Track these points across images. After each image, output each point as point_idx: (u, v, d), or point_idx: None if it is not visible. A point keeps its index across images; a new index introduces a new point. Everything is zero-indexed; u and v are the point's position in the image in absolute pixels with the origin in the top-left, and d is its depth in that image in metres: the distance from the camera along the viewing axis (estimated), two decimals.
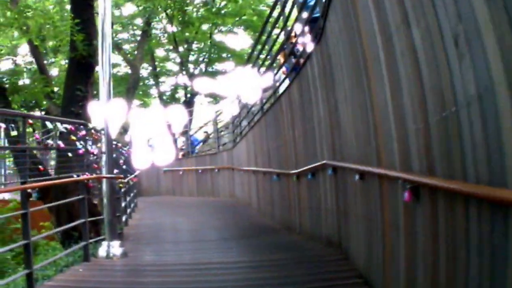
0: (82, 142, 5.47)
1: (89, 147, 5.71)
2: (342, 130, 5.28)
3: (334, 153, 5.78)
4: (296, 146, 7.62)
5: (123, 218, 9.09)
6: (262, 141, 10.05)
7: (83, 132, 5.43)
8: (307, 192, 7.24)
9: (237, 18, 23.74)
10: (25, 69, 15.71)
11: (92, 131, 5.81)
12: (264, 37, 10.50)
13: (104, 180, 5.92)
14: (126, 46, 21.80)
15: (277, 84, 9.15)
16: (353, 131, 4.81)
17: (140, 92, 27.22)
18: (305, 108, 6.95)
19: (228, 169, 14.52)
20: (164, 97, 25.95)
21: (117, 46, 16.34)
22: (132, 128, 20.38)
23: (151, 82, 26.94)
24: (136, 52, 17.18)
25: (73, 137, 5.47)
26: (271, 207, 9.75)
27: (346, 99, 5.01)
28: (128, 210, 10.01)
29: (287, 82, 8.68)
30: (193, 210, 12.13)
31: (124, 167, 9.23)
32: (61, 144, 5.20)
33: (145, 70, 26.93)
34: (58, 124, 5.10)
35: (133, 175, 11.25)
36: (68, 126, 5.11)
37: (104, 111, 6.05)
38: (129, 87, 16.47)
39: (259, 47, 10.99)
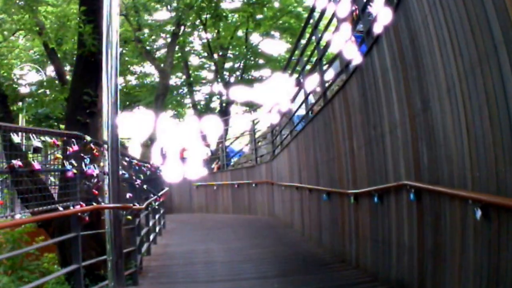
0: (73, 161, 4.00)
1: (88, 168, 4.24)
2: (438, 140, 3.66)
3: (418, 171, 4.15)
4: (354, 160, 6.00)
5: (144, 247, 7.65)
6: (308, 153, 8.46)
7: (75, 148, 3.96)
8: (370, 219, 5.61)
9: (273, 21, 22.33)
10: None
11: (92, 145, 4.33)
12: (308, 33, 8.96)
13: (106, 212, 4.47)
14: (157, 53, 20.61)
15: (327, 84, 7.56)
16: (465, 140, 3.18)
17: (174, 102, 26.15)
18: (370, 110, 5.34)
19: (267, 184, 12.97)
20: (199, 107, 24.68)
21: (148, 53, 15.03)
22: (163, 140, 19.22)
23: (185, 91, 25.76)
24: (166, 57, 15.91)
25: (58, 155, 4.04)
26: (318, 232, 8.13)
27: (449, 94, 3.38)
28: (152, 236, 8.56)
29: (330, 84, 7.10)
30: (228, 232, 10.60)
31: (145, 187, 7.76)
32: (35, 164, 3.73)
33: (178, 79, 25.85)
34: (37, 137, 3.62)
35: (159, 194, 9.80)
36: (50, 139, 3.64)
37: (109, 121, 4.59)
38: (158, 95, 15.15)
39: (303, 42, 9.41)
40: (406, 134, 4.36)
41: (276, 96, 11.88)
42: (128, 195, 6.02)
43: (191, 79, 24.32)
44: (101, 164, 4.58)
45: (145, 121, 15.04)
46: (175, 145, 19.06)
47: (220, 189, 15.27)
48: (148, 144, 13.93)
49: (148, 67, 25.35)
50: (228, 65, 24.32)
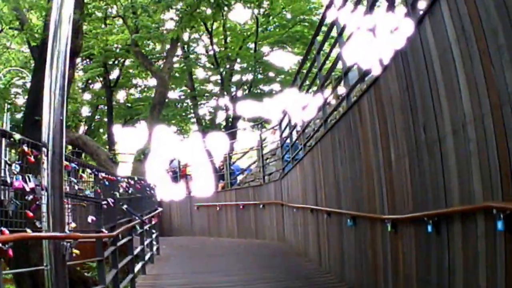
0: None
1: (16, 178, 2.87)
2: None
3: (508, 187, 2.74)
4: (392, 175, 4.60)
5: (126, 280, 6.24)
6: (326, 168, 7.06)
7: None
8: (417, 254, 4.19)
9: (285, 31, 21.11)
10: None
11: (25, 148, 2.98)
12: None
13: (45, 243, 3.07)
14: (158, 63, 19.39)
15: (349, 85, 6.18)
16: None
17: (177, 117, 24.87)
18: (417, 107, 3.96)
19: (276, 205, 11.54)
20: (203, 122, 23.34)
21: (144, 57, 13.75)
22: (158, 154, 17.91)
23: (189, 105, 24.47)
24: (164, 62, 14.57)
25: None
26: (340, 264, 6.68)
27: None
28: (137, 266, 7.15)
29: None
30: (232, 260, 9.15)
31: (125, 207, 6.35)
32: None
33: (182, 93, 24.59)
34: None
35: (148, 216, 8.40)
36: None
37: (51, 115, 3.26)
38: (155, 104, 13.82)
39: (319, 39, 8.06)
40: (485, 133, 2.96)
41: (287, 108, 10.56)
42: (90, 218, 4.63)
43: (196, 92, 23.04)
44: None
45: (145, 136, 13.87)
46: (177, 161, 17.77)
47: (224, 210, 13.84)
48: (140, 158, 12.59)
49: (152, 81, 24.19)
50: (235, 78, 23.08)
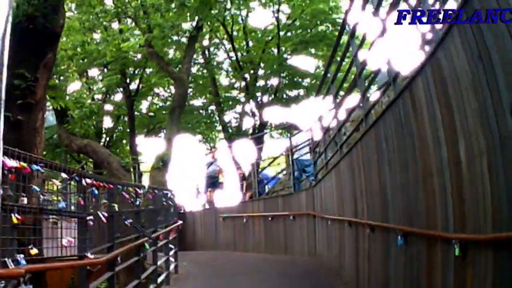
0: None
1: None
2: None
3: None
4: (461, 181, 3.42)
5: None
6: (368, 173, 5.90)
7: None
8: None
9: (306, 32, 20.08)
10: None
11: None
12: None
13: None
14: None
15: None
16: None
17: (203, 124, 23.97)
18: (500, 81, 2.80)
19: (307, 216, 10.37)
20: (229, 130, 22.36)
21: (159, 58, 12.79)
22: (180, 163, 16.92)
23: (214, 112, 23.55)
24: (182, 63, 13.57)
25: None
26: None
27: None
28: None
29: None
30: (257, 281, 8.04)
31: (129, 221, 5.30)
32: None
33: (206, 100, 23.69)
34: None
35: (163, 231, 7.36)
36: None
37: None
38: (174, 107, 12.80)
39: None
40: None
41: (317, 111, 9.47)
42: (66, 240, 3.59)
43: (221, 99, 22.13)
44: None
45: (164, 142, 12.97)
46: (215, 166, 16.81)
47: (251, 222, 12.72)
48: (159, 166, 11.60)
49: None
50: (260, 83, 22.11)
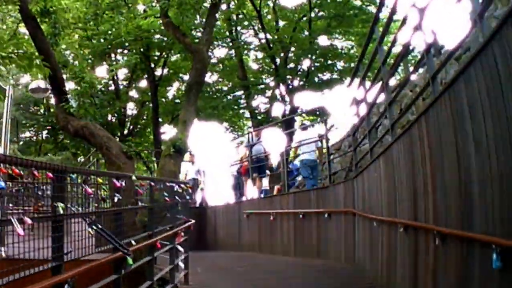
0: None
1: None
2: None
3: None
4: None
5: None
6: (438, 161, 4.15)
7: None
8: None
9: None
10: None
11: None
12: None
13: None
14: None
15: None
16: None
17: (230, 112, 22.44)
18: None
19: (345, 214, 8.64)
20: (258, 117, 20.74)
21: (174, 28, 11.17)
22: (200, 150, 15.34)
23: (241, 99, 21.99)
24: (202, 33, 11.78)
25: None
26: None
27: None
28: None
29: None
30: None
31: (90, 227, 3.69)
32: None
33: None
34: None
35: (162, 235, 5.73)
36: None
37: None
38: (190, 85, 11.04)
39: None
40: None
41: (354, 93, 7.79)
42: None
43: (249, 84, 20.51)
44: None
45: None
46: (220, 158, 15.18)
47: (279, 220, 11.02)
48: (170, 152, 9.93)
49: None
50: (291, 66, 20.40)
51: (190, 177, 15.35)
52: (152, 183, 5.50)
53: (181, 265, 7.69)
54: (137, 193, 4.83)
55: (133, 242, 4.38)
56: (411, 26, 4.64)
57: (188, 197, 8.15)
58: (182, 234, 7.43)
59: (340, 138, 12.33)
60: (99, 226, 3.70)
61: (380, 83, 6.30)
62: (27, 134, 26.50)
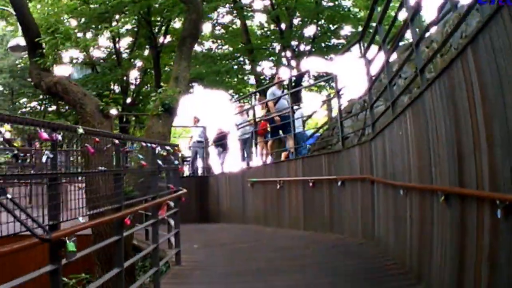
0: None
1: None
2: None
3: None
4: None
5: None
6: (491, 106, 3.01)
7: None
8: None
9: None
10: None
11: None
12: None
13: None
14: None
15: None
16: None
17: (235, 79, 21.31)
18: None
19: (362, 181, 7.54)
20: (264, 82, 19.61)
21: None
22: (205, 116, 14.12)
23: (245, 64, 20.85)
24: None
25: None
26: None
27: None
28: None
29: None
30: (295, 279, 5.38)
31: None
32: None
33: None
34: None
35: (131, 210, 4.62)
36: None
37: None
38: (184, 37, 9.82)
39: None
40: None
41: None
42: None
43: (253, 48, 19.35)
44: None
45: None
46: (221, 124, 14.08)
47: (287, 189, 9.96)
48: (158, 112, 8.77)
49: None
50: (296, 32, 19.26)
51: (195, 140, 14.38)
52: (116, 141, 4.34)
53: (172, 240, 6.70)
54: (89, 151, 3.71)
55: (81, 220, 3.29)
56: None
57: (176, 162, 7.01)
58: (171, 205, 6.38)
59: (349, 101, 11.21)
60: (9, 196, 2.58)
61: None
62: (34, 103, 25.27)
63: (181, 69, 9.50)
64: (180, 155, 8.25)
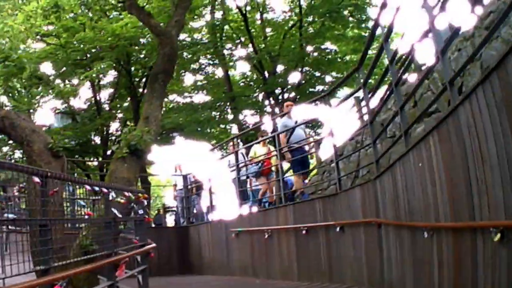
0: None
1: None
2: None
3: None
4: None
5: None
6: None
7: None
8: None
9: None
10: None
11: None
12: None
13: None
14: None
15: None
16: None
17: (217, 129, 20.75)
18: None
19: (365, 225, 6.79)
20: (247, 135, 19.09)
21: (138, 9, 9.45)
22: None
23: (227, 113, 20.39)
24: (173, 15, 9.74)
25: None
26: None
27: None
28: None
29: None
30: None
31: None
32: None
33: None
34: None
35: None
36: None
37: None
38: (156, 73, 9.02)
39: None
40: None
41: None
42: None
43: (234, 95, 18.99)
44: None
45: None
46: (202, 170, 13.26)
47: (276, 238, 9.14)
48: (123, 154, 7.76)
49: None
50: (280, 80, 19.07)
51: (179, 188, 13.58)
52: (37, 180, 3.38)
53: None
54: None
55: None
56: None
57: (141, 212, 6.09)
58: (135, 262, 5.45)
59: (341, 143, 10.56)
60: None
61: None
62: None
63: (152, 108, 8.69)
64: (146, 203, 7.24)
